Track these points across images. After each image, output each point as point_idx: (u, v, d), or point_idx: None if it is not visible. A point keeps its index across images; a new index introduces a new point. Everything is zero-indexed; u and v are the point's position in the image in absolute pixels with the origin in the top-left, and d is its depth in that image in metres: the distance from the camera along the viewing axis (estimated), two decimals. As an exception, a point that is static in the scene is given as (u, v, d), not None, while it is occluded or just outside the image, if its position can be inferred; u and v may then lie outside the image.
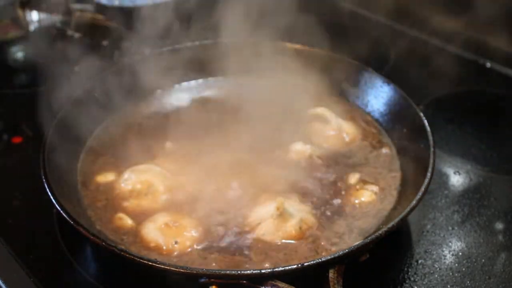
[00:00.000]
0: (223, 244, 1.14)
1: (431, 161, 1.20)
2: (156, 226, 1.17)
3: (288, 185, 1.27)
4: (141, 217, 1.21)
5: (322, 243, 1.15)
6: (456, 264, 1.22)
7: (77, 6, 2.22)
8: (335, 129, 1.42)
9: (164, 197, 1.25)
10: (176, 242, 1.14)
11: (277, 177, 1.29)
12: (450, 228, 1.31)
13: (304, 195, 1.26)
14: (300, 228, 1.17)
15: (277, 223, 1.16)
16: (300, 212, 1.19)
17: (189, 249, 1.13)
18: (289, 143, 1.38)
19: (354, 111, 1.51)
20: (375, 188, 1.26)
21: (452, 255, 1.24)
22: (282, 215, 1.16)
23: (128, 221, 1.19)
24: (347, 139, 1.41)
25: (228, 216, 1.20)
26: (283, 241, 1.15)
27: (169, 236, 1.15)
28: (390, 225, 1.07)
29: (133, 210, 1.22)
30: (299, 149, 1.36)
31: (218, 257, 1.12)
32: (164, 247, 1.14)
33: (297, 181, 1.29)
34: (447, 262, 1.23)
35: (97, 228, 1.17)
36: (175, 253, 1.13)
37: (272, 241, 1.15)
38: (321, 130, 1.43)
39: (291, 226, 1.16)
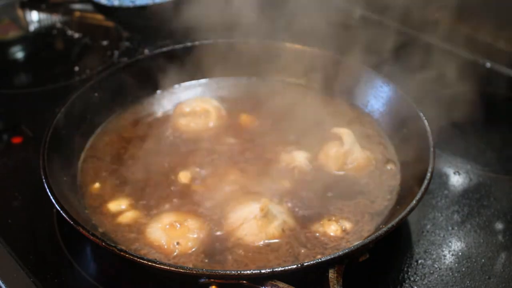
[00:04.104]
0: (216, 246, 1.14)
1: (431, 161, 1.20)
2: (161, 226, 1.16)
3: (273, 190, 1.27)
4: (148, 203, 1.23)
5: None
6: (456, 264, 1.22)
7: (77, 6, 2.23)
8: (344, 154, 1.33)
9: (212, 124, 1.44)
10: (177, 243, 1.14)
11: (265, 183, 1.28)
12: (450, 228, 1.31)
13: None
14: (283, 230, 1.16)
15: (260, 224, 1.15)
16: (282, 214, 1.19)
17: (190, 251, 1.13)
18: (288, 152, 1.36)
19: (354, 111, 1.51)
20: (347, 224, 1.19)
21: (452, 255, 1.24)
22: (266, 216, 1.15)
23: (130, 219, 1.20)
24: (352, 166, 1.33)
25: (214, 217, 1.20)
26: (266, 241, 1.15)
27: (172, 237, 1.14)
28: (390, 225, 1.07)
29: (184, 129, 1.44)
30: (295, 160, 1.33)
31: (217, 258, 1.12)
32: (166, 247, 1.14)
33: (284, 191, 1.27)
34: (447, 262, 1.23)
35: (96, 227, 1.17)
36: (175, 253, 1.13)
37: (253, 242, 1.14)
38: (330, 151, 1.35)
39: (274, 228, 1.16)
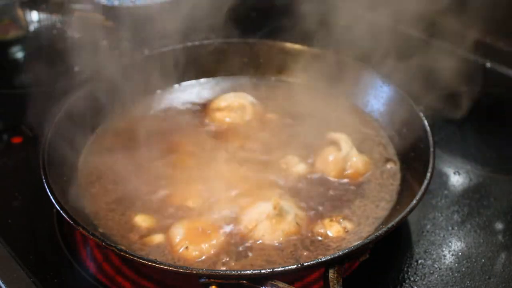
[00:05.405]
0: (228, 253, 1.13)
1: (431, 161, 1.20)
2: (187, 226, 1.16)
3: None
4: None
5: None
6: (456, 264, 1.22)
7: (77, 6, 2.22)
8: (343, 159, 1.31)
9: (248, 117, 1.46)
10: (186, 247, 1.13)
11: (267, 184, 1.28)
12: (450, 228, 1.31)
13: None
14: (297, 223, 1.17)
15: (274, 222, 1.15)
16: (292, 208, 1.19)
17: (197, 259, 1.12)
18: (287, 155, 1.35)
19: (354, 111, 1.51)
20: (348, 225, 1.19)
21: (452, 255, 1.24)
22: (280, 213, 1.15)
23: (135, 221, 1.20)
24: (351, 172, 1.31)
25: (226, 222, 1.19)
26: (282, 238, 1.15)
27: (187, 240, 1.14)
28: (390, 225, 1.07)
29: (218, 121, 1.46)
30: (296, 164, 1.33)
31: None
32: (174, 245, 1.13)
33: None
34: (447, 262, 1.23)
35: (96, 227, 1.17)
36: (180, 253, 1.13)
37: (272, 241, 1.14)
38: (328, 157, 1.33)
39: (288, 223, 1.16)
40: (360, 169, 1.31)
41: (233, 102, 1.49)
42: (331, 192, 1.27)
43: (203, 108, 1.54)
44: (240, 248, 1.13)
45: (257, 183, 1.28)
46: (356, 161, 1.31)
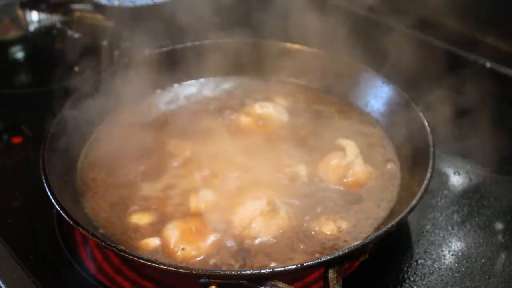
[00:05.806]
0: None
1: (431, 161, 1.20)
2: (180, 227, 1.16)
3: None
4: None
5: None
6: (456, 264, 1.22)
7: (77, 6, 2.23)
8: (345, 167, 1.29)
9: (275, 125, 1.45)
10: (183, 248, 1.12)
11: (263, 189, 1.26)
12: (450, 228, 1.31)
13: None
14: (289, 217, 1.17)
15: (268, 217, 1.15)
16: (284, 204, 1.19)
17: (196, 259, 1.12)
18: (287, 157, 1.35)
19: (354, 111, 1.51)
20: (343, 224, 1.19)
21: (452, 255, 1.24)
22: (273, 209, 1.16)
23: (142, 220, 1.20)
24: (351, 180, 1.29)
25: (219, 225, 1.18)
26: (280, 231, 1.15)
27: (183, 241, 1.13)
28: (389, 225, 1.07)
29: (246, 126, 1.45)
30: (295, 167, 1.32)
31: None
32: (171, 247, 1.13)
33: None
34: (446, 262, 1.23)
35: (96, 227, 1.17)
36: (178, 255, 1.12)
37: (268, 236, 1.15)
38: (331, 162, 1.31)
39: (281, 218, 1.16)
40: (360, 179, 1.29)
41: (265, 113, 1.48)
42: (331, 192, 1.27)
43: (203, 108, 1.54)
44: (237, 245, 1.13)
45: (255, 182, 1.27)
46: (358, 171, 1.29)
